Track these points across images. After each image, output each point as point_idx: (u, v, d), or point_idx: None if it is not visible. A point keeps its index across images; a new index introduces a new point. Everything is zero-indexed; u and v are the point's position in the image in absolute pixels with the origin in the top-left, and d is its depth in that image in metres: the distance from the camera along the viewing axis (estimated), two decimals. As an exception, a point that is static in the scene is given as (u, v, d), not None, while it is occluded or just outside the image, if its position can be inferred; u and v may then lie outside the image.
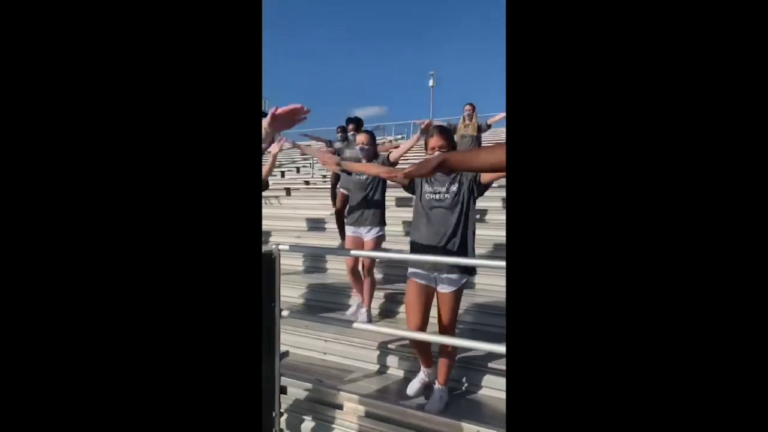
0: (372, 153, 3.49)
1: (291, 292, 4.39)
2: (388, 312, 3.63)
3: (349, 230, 3.53)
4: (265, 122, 1.31)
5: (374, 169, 3.13)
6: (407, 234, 5.26)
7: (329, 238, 5.59)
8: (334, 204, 6.40)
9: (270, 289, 2.47)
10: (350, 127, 5.32)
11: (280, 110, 1.31)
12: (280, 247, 2.46)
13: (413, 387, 2.46)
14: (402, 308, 3.62)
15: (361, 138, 3.48)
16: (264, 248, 2.38)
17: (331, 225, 6.08)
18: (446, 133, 2.38)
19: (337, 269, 4.69)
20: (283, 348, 2.55)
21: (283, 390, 2.49)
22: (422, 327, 2.36)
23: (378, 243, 3.42)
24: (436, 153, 2.31)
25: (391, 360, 2.91)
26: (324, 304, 3.91)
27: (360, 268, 3.48)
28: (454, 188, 2.31)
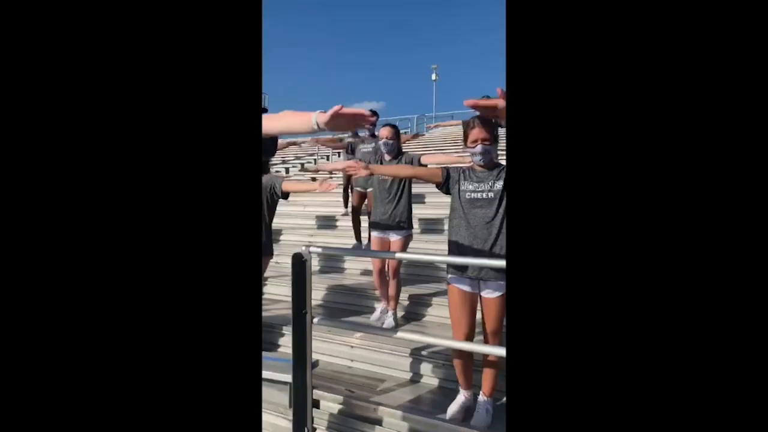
0: (397, 148, 3.29)
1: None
2: (414, 315, 3.45)
3: (374, 233, 3.33)
4: (322, 117, 1.15)
5: (408, 170, 2.91)
6: (423, 232, 5.09)
7: (342, 237, 5.40)
8: (346, 204, 6.22)
9: (300, 295, 2.29)
10: (365, 121, 5.11)
11: (345, 110, 1.14)
12: (312, 249, 2.28)
13: (452, 410, 2.26)
14: (429, 310, 3.44)
15: (384, 132, 3.28)
16: (283, 250, 2.20)
17: (343, 223, 5.89)
18: (490, 124, 2.18)
19: (355, 269, 4.50)
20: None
21: (316, 404, 2.32)
22: (470, 338, 2.18)
23: (405, 243, 3.23)
24: (478, 147, 2.12)
25: (425, 368, 2.73)
26: (345, 306, 3.72)
27: (386, 269, 3.30)
28: (499, 185, 2.11)
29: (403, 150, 3.43)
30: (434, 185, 2.32)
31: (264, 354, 2.75)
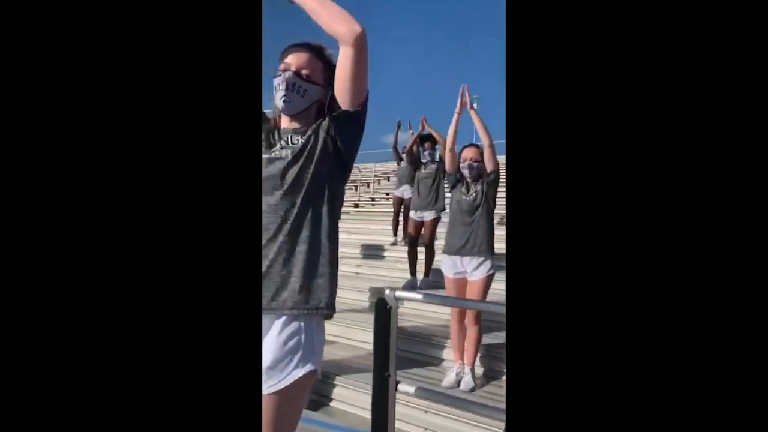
0: (480, 171, 2.82)
1: (358, 335, 3.71)
2: (493, 372, 2.89)
3: (447, 267, 2.82)
4: None
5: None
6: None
7: (393, 269, 4.93)
8: (395, 232, 5.75)
9: (383, 353, 1.78)
10: (426, 145, 4.67)
11: None
12: (398, 294, 1.78)
13: None
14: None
15: (469, 153, 2.83)
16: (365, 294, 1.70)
17: (392, 253, 5.41)
18: None
19: (412, 309, 3.97)
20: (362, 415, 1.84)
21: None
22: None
23: (488, 283, 2.71)
24: None
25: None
26: (407, 354, 3.19)
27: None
28: None
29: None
30: None
31: (330, 421, 2.25)
